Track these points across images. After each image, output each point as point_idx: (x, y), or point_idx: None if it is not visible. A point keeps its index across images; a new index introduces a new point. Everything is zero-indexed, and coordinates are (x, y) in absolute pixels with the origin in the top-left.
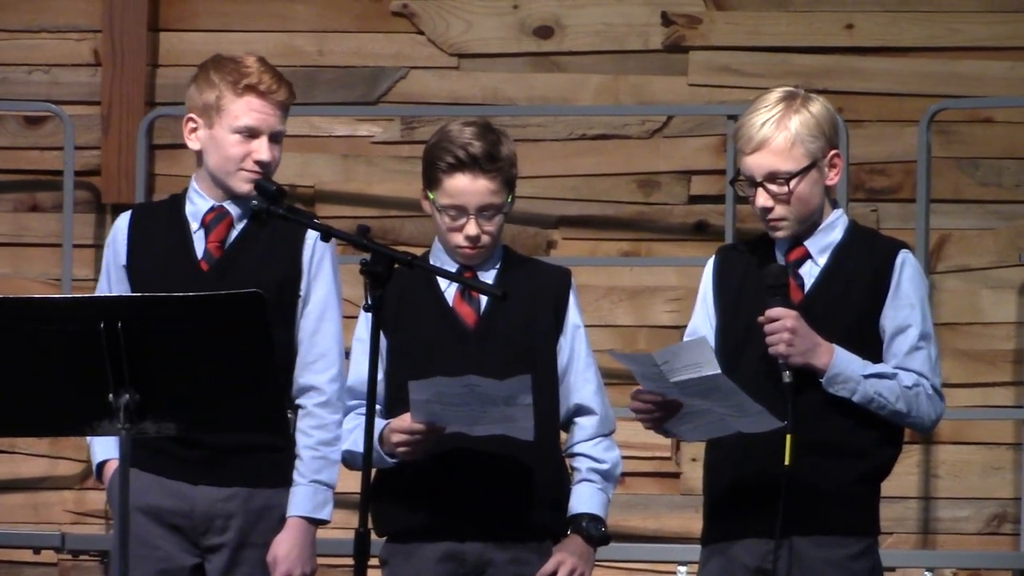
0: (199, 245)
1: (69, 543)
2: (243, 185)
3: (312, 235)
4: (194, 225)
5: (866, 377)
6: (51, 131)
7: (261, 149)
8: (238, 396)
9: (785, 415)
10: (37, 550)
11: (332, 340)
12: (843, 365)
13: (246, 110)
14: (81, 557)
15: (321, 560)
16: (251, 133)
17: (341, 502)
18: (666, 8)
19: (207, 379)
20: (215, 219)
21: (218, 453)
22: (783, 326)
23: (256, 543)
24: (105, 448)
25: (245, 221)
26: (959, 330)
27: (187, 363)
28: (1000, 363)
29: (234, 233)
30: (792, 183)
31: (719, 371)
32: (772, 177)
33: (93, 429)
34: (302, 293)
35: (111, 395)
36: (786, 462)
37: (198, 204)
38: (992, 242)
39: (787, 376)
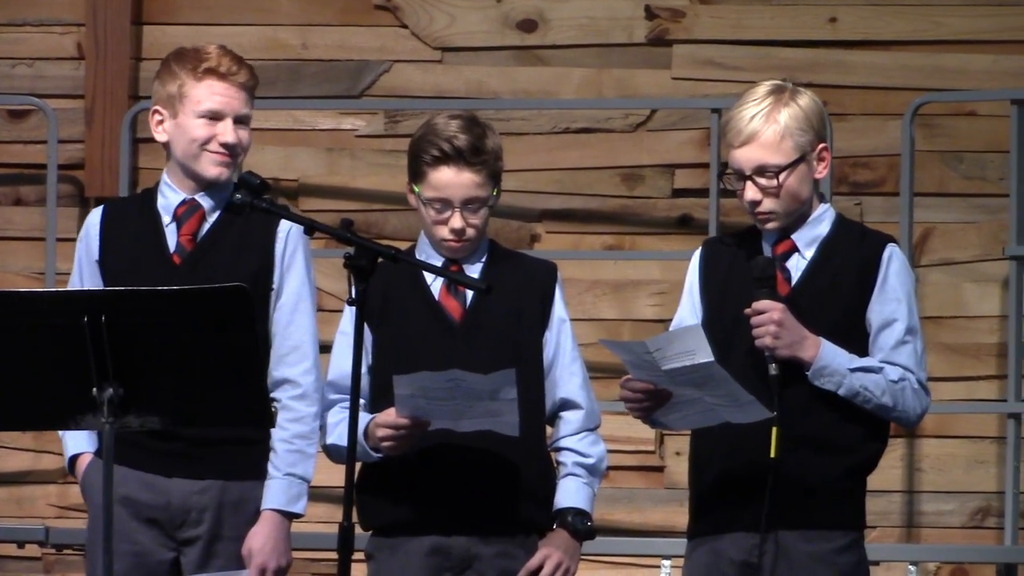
0: (171, 239)
1: (53, 537)
2: (211, 169)
3: (284, 227)
4: (166, 219)
5: (852, 371)
6: (34, 125)
7: (226, 131)
8: (222, 390)
9: (772, 408)
10: (21, 544)
11: (305, 332)
12: (829, 358)
13: (208, 94)
14: (65, 551)
15: (306, 554)
16: (215, 116)
17: (326, 496)
18: (650, 2)
19: (191, 373)
20: (187, 212)
21: (193, 446)
22: (770, 318)
23: (230, 536)
24: (77, 442)
25: (217, 213)
26: (943, 324)
27: (171, 357)
28: (984, 357)
29: (206, 226)
30: (781, 176)
31: (712, 359)
32: (761, 170)
33: (77, 423)
34: (275, 286)
35: (95, 389)
36: (772, 454)
37: (170, 197)
38: (976, 235)
39: (773, 369)
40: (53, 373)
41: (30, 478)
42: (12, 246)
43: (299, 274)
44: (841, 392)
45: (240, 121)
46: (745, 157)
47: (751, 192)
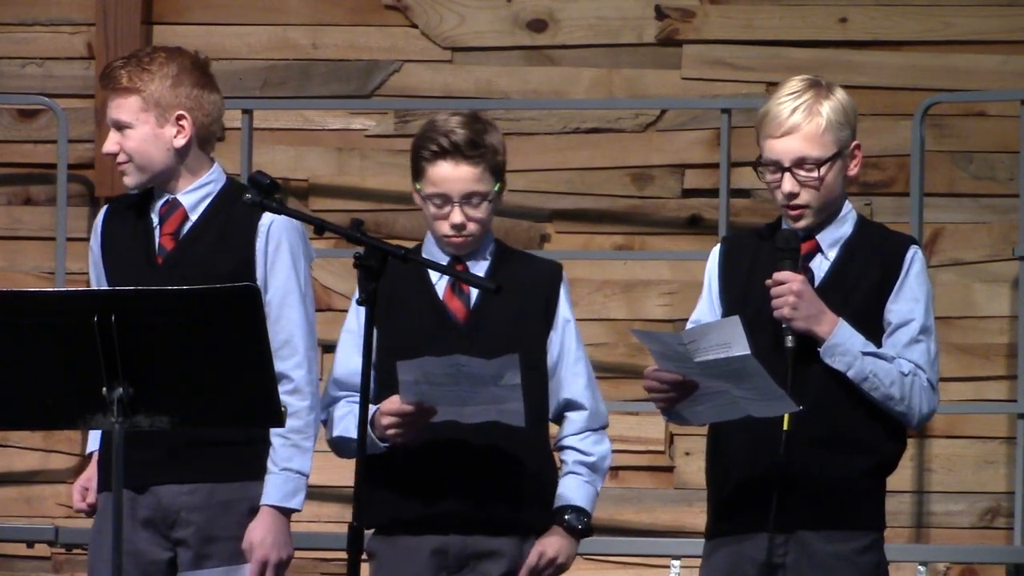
0: (157, 239)
1: (63, 537)
2: (124, 179)
3: (266, 223)
4: (155, 219)
5: (864, 354)
6: (44, 124)
7: (108, 140)
8: (232, 389)
9: (786, 379)
10: (31, 544)
11: (296, 327)
12: (844, 337)
13: None
14: (74, 551)
15: (315, 554)
16: (111, 126)
17: (334, 495)
18: (660, 1)
19: (201, 372)
20: (168, 212)
21: (177, 449)
22: (789, 289)
23: (222, 536)
24: (96, 440)
25: (200, 211)
26: (953, 324)
27: (181, 356)
28: (993, 357)
29: (188, 225)
30: (822, 169)
31: (748, 352)
32: (801, 162)
33: (87, 423)
34: (259, 281)
35: (104, 388)
36: (785, 427)
37: (157, 198)
38: (986, 236)
39: (789, 341)
40: (63, 372)
41: (40, 478)
42: (22, 245)
43: (285, 268)
44: (850, 374)
45: (116, 126)
46: (785, 148)
47: (789, 184)
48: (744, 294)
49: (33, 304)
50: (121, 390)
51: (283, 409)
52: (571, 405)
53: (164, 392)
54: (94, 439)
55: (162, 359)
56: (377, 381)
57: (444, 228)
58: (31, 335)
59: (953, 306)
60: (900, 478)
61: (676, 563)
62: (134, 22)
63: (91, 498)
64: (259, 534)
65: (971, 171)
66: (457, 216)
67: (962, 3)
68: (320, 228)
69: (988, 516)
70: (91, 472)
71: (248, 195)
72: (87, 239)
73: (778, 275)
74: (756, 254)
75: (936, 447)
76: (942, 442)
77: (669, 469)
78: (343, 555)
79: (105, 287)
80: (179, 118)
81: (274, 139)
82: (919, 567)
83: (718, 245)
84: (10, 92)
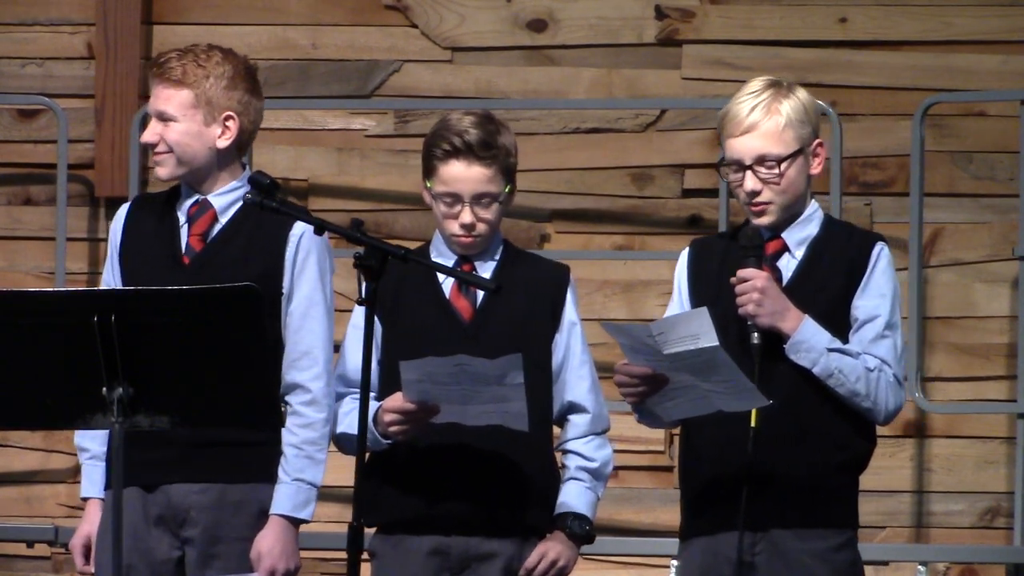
0: (184, 239)
1: (62, 536)
2: (157, 170)
3: (297, 232)
4: (182, 219)
5: (830, 351)
6: (44, 124)
7: (148, 131)
8: (231, 390)
9: (752, 376)
10: (31, 543)
11: (317, 338)
12: (808, 334)
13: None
14: None
15: (315, 554)
16: (154, 116)
17: (335, 496)
18: (660, 1)
19: (200, 373)
20: (198, 212)
21: (190, 448)
22: (753, 286)
23: (231, 537)
24: (92, 483)
25: (230, 214)
26: (952, 324)
27: (181, 357)
28: (993, 357)
29: (217, 227)
30: (783, 166)
31: (717, 343)
32: (761, 160)
33: (86, 422)
34: (285, 290)
35: (104, 388)
36: (752, 423)
37: (185, 197)
38: (986, 236)
39: (755, 337)
40: (63, 372)
41: (39, 477)
42: (22, 245)
43: (311, 279)
44: (816, 371)
45: (161, 117)
46: (745, 146)
47: (751, 182)
48: (714, 295)
49: (33, 304)
50: (121, 390)
51: (283, 410)
52: (574, 408)
53: (164, 392)
54: (88, 483)
55: (162, 359)
56: (382, 379)
57: (453, 228)
58: (31, 335)
59: (953, 306)
60: (900, 478)
61: (675, 563)
62: (134, 22)
63: (91, 557)
64: (268, 543)
65: (971, 171)
66: (467, 216)
67: (962, 3)
68: (320, 228)
69: (988, 516)
70: (90, 525)
71: (248, 195)
72: (87, 239)
73: (742, 272)
74: (724, 256)
75: (936, 447)
76: (942, 442)
77: (669, 469)
78: (343, 555)
79: (117, 282)
80: (227, 119)
81: (274, 139)
82: (919, 567)
83: (686, 249)
84: (10, 92)
